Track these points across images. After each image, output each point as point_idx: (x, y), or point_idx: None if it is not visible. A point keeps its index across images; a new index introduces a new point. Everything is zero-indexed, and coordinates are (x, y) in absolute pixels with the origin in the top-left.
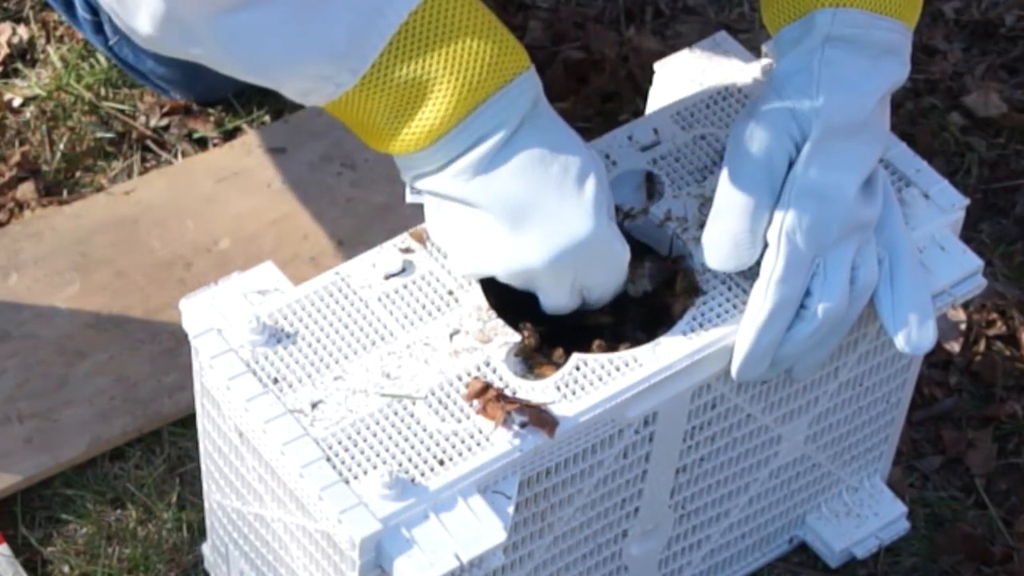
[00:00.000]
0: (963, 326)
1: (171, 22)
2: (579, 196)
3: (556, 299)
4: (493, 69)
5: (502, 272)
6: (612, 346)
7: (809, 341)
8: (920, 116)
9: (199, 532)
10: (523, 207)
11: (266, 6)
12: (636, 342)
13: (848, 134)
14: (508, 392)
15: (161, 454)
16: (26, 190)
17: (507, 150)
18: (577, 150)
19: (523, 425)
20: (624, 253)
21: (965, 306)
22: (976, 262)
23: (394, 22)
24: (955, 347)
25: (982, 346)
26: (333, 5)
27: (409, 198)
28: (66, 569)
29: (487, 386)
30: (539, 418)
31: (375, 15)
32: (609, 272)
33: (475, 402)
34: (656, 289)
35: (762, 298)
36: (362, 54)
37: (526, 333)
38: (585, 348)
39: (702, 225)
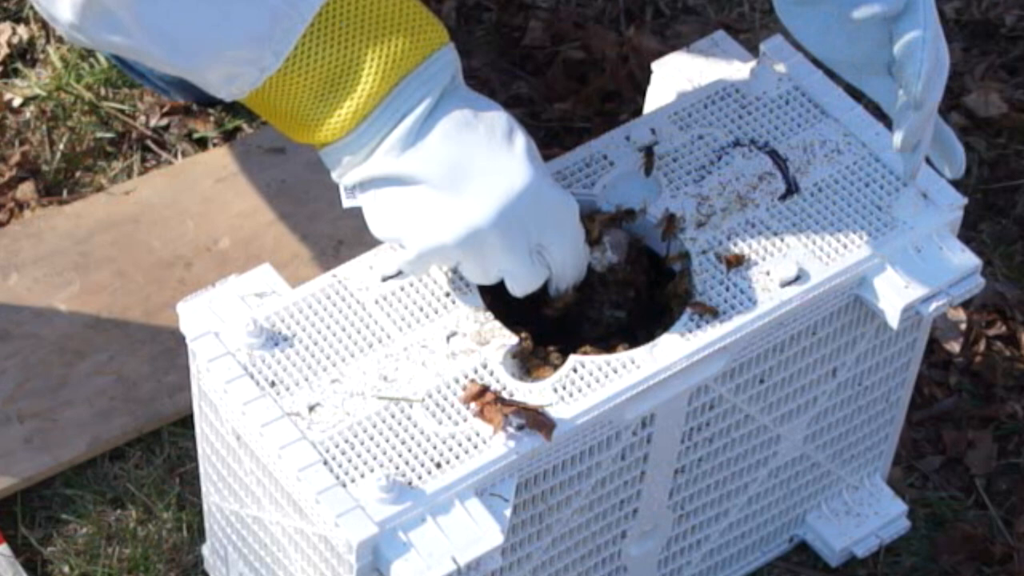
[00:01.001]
0: (963, 326)
1: (93, 7)
2: (510, 149)
3: (517, 267)
4: (414, 45)
5: (452, 239)
6: (607, 347)
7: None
8: None
9: (199, 532)
10: (457, 170)
11: None
12: (633, 343)
13: None
14: (505, 395)
15: (161, 454)
16: (26, 190)
17: (431, 119)
18: (500, 110)
19: (520, 428)
20: (569, 202)
21: (965, 306)
22: (974, 261)
23: (315, 2)
24: (955, 347)
25: (982, 346)
26: None
27: (345, 203)
28: (66, 569)
29: (484, 389)
30: (536, 421)
31: None
32: (560, 224)
33: (472, 405)
34: (654, 290)
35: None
36: (285, 36)
37: (523, 335)
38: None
39: (700, 224)
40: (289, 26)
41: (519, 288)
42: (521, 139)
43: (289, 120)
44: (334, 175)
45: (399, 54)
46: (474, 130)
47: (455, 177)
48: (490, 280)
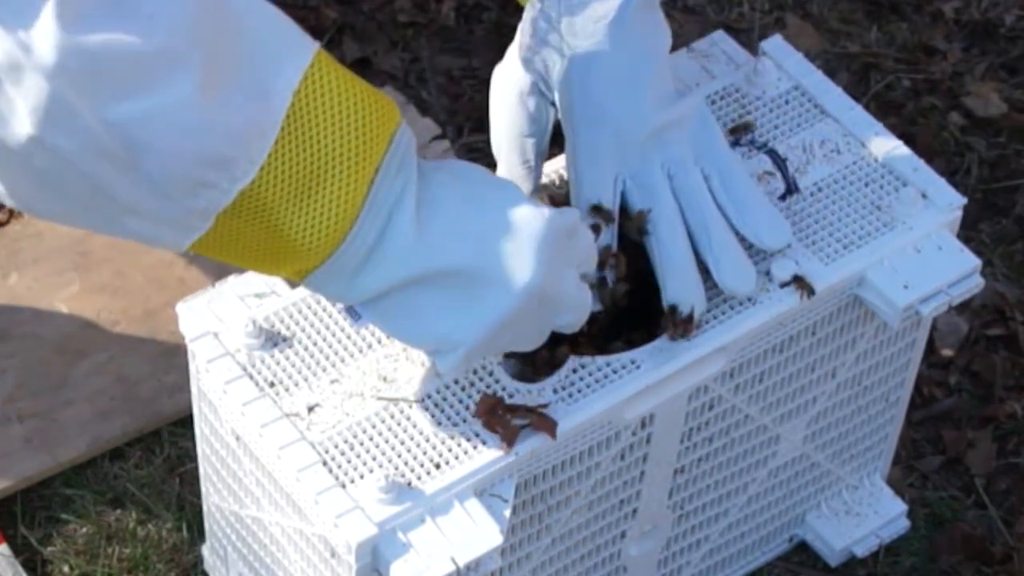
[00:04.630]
0: (963, 326)
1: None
2: (520, 245)
3: (573, 302)
4: (379, 132)
5: (503, 315)
6: (603, 347)
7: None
8: (920, 116)
9: (199, 532)
10: (482, 242)
11: (168, 90)
12: (632, 343)
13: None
14: (505, 395)
15: (161, 454)
16: None
17: (427, 203)
18: (476, 170)
19: (521, 428)
20: (583, 296)
21: (965, 306)
22: (973, 261)
23: (281, 106)
24: (955, 347)
25: (982, 346)
26: (229, 90)
27: (355, 325)
28: (66, 569)
29: (496, 403)
30: (542, 422)
31: (265, 99)
32: (575, 313)
33: (482, 419)
34: (652, 290)
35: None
36: (261, 138)
37: None
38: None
39: None
40: (263, 128)
41: (578, 323)
42: (533, 231)
43: (266, 243)
44: (342, 304)
45: (369, 147)
46: (479, 201)
47: (483, 250)
48: (545, 337)
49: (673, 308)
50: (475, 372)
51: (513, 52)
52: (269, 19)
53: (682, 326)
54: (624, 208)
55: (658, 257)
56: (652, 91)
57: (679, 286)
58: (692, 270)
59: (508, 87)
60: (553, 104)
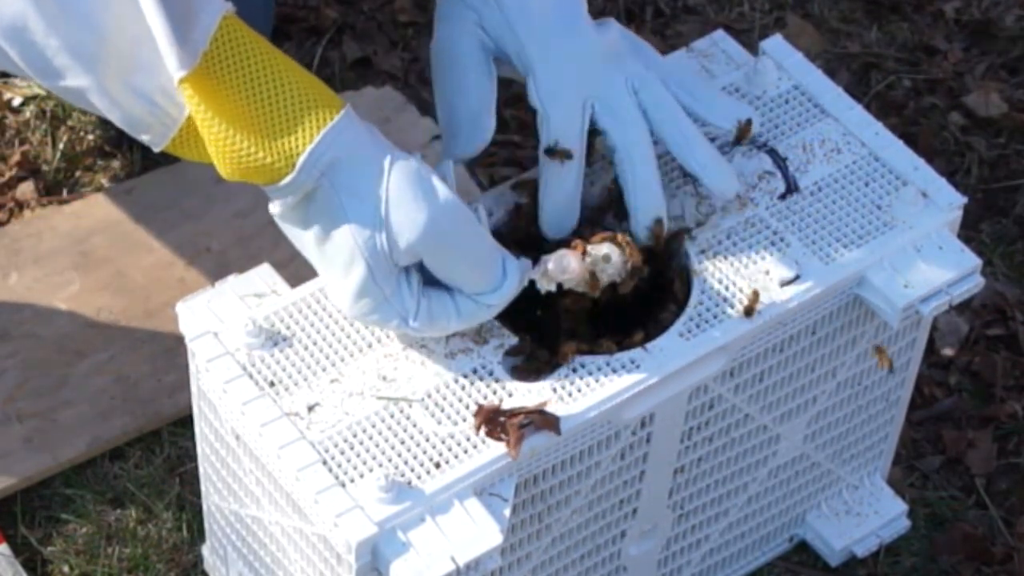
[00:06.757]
0: (963, 326)
1: None
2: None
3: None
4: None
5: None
6: (593, 346)
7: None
8: (920, 116)
9: (199, 532)
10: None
11: None
12: (632, 343)
13: None
14: (505, 395)
15: (161, 454)
16: (26, 190)
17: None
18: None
19: (523, 426)
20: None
21: (965, 306)
22: (974, 261)
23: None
24: (955, 347)
25: (982, 346)
26: None
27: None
28: (66, 569)
29: (496, 409)
30: (544, 420)
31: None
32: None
33: (484, 427)
34: (652, 290)
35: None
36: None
37: (523, 335)
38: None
39: (699, 224)
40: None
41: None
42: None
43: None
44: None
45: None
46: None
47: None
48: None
49: (659, 220)
50: (475, 371)
51: (446, 23)
52: None
53: (667, 237)
54: (593, 131)
55: (630, 175)
56: (588, 23)
57: (655, 203)
58: (660, 187)
59: (454, 55)
60: (497, 59)
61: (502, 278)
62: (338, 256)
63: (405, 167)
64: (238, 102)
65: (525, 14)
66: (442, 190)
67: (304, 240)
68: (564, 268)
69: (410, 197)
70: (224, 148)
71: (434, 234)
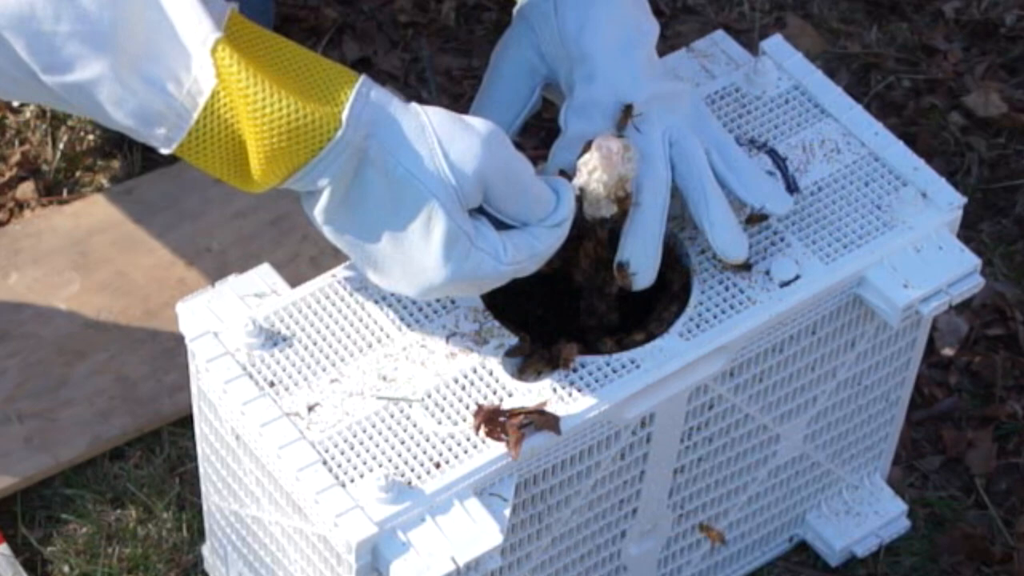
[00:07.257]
0: (963, 326)
1: None
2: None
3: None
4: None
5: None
6: (591, 345)
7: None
8: (920, 116)
9: (199, 532)
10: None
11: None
12: (632, 343)
13: None
14: (505, 395)
15: (161, 454)
16: (26, 190)
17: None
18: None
19: (523, 426)
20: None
21: (965, 306)
22: (973, 260)
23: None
24: (955, 347)
25: (982, 346)
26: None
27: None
28: (66, 569)
29: (496, 410)
30: (545, 420)
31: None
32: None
33: (483, 428)
34: (651, 290)
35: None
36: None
37: (523, 335)
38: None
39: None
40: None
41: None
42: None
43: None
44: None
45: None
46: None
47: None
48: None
49: (623, 265)
50: (475, 371)
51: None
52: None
53: (624, 280)
54: None
55: (630, 219)
56: (646, 61)
57: (638, 252)
58: (656, 244)
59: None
60: (548, 85)
61: (555, 196)
62: (413, 218)
63: (436, 109)
64: (270, 68)
65: (583, 36)
66: (476, 119)
67: (366, 227)
68: (608, 150)
69: (458, 129)
70: (266, 114)
71: (492, 156)
